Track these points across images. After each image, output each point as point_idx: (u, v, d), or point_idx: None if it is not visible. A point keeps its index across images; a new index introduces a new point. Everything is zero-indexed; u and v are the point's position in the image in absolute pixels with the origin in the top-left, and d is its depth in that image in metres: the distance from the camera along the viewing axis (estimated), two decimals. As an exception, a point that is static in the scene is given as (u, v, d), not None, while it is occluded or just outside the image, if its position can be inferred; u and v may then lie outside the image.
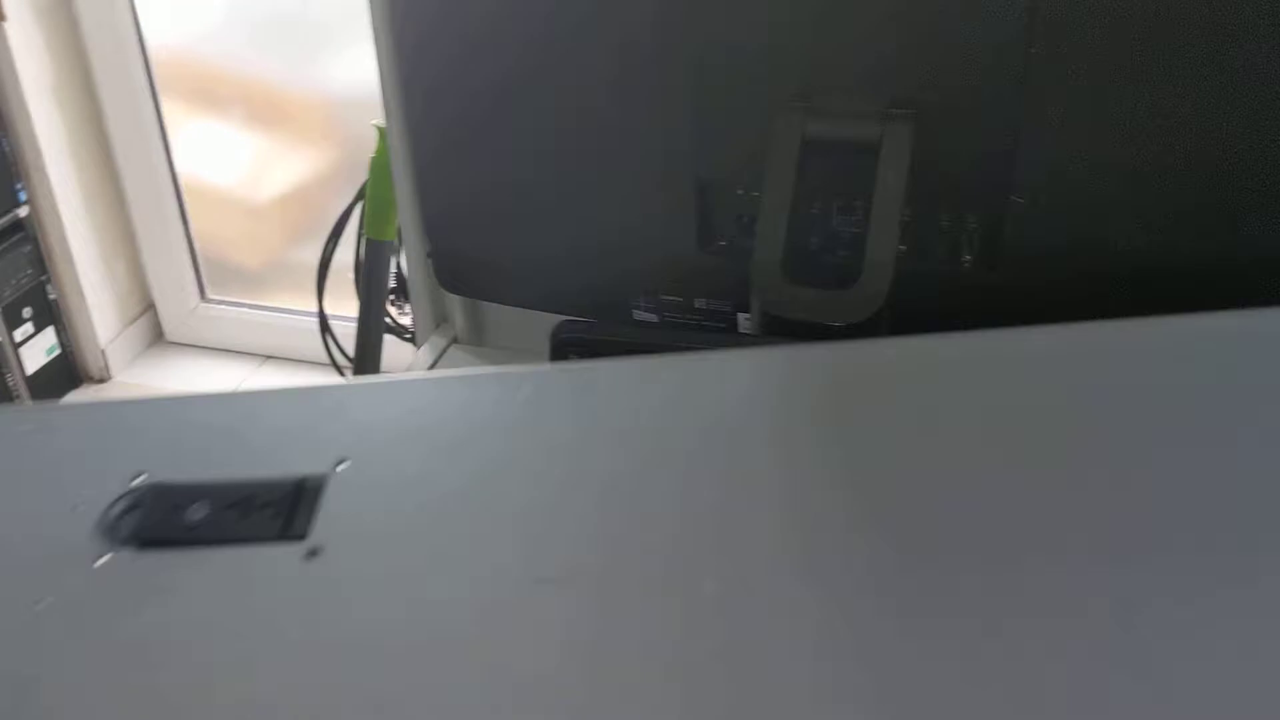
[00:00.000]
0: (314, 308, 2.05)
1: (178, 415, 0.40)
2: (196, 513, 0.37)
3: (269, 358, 2.19)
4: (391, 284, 0.94)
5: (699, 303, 0.73)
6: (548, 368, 0.44)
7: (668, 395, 0.41)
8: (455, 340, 0.85)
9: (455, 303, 0.84)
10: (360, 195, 0.93)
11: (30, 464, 0.38)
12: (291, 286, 2.14)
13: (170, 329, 2.24)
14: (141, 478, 0.38)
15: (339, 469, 0.37)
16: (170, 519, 0.37)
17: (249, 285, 2.21)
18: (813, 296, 0.60)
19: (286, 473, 0.37)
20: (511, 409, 0.40)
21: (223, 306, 2.22)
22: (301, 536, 0.36)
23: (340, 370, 1.03)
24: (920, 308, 0.66)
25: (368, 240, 0.90)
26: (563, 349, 0.61)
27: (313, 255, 2.08)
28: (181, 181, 2.12)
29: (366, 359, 0.92)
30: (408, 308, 1.04)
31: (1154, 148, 0.60)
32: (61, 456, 0.39)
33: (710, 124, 0.66)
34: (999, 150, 0.61)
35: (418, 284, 0.84)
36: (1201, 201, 0.61)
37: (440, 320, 0.86)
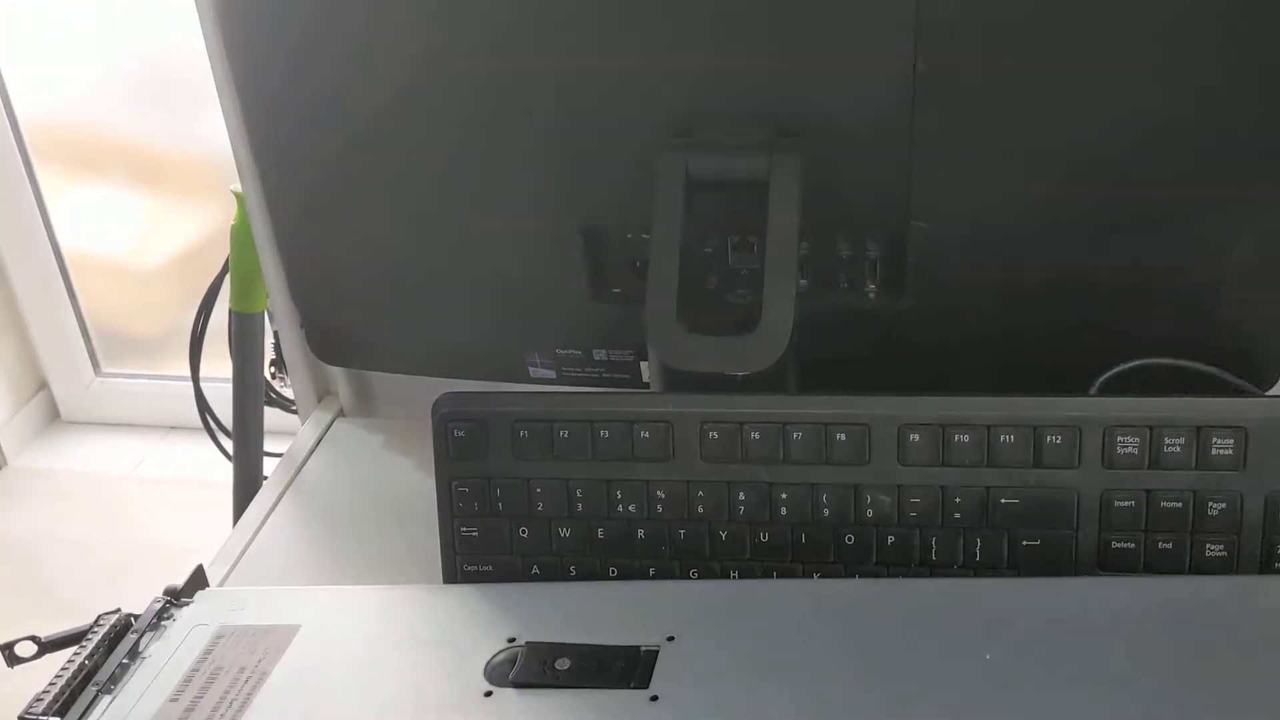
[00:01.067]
0: (218, 373, 1.98)
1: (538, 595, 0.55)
2: (562, 665, 0.49)
3: (173, 428, 2.11)
4: (274, 353, 0.88)
5: (598, 354, 0.68)
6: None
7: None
8: (341, 413, 0.79)
9: (338, 373, 0.79)
10: (225, 268, 0.87)
11: (428, 631, 0.54)
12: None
13: (66, 408, 2.15)
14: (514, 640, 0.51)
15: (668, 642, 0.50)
16: (542, 668, 0.49)
17: (147, 355, 2.13)
18: (712, 346, 0.56)
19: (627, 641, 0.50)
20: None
21: (120, 379, 2.13)
22: (645, 686, 0.48)
23: (221, 448, 0.97)
24: (827, 345, 0.62)
25: (235, 314, 0.84)
26: (445, 425, 0.56)
27: (212, 318, 2.05)
28: (65, 253, 2.03)
29: (247, 436, 0.86)
30: (289, 379, 0.98)
31: (1054, 162, 0.57)
32: (451, 625, 0.54)
33: (589, 166, 0.61)
34: (894, 173, 0.57)
35: (295, 356, 0.78)
36: (1108, 216, 0.58)
37: (323, 393, 0.80)
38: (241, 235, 0.77)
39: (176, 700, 0.52)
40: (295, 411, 1.00)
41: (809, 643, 0.49)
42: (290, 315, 0.75)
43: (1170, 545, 0.52)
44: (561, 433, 0.55)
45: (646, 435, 0.55)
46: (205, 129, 1.83)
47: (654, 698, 0.47)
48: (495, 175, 0.62)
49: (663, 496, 0.55)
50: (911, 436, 0.53)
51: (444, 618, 0.54)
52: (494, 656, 0.51)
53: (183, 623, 0.56)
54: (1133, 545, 0.52)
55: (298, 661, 0.53)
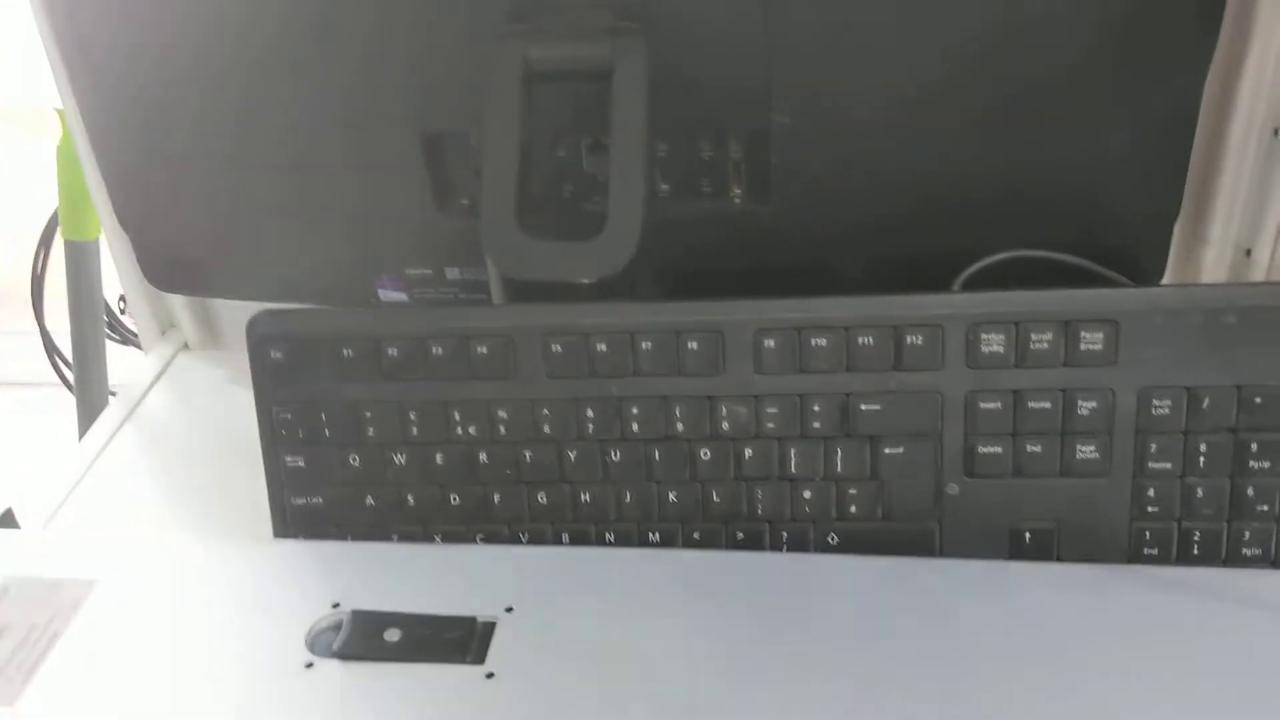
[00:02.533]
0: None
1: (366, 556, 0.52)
2: (391, 635, 0.46)
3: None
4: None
5: (451, 272, 0.63)
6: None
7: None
8: (185, 346, 0.74)
9: (180, 304, 0.73)
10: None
11: (245, 592, 0.49)
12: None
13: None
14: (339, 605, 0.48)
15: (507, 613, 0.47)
16: (368, 639, 0.46)
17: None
18: (553, 251, 0.51)
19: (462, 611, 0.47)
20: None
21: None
22: (480, 661, 0.45)
23: (69, 386, 0.91)
24: (690, 253, 0.58)
25: (67, 242, 0.77)
26: (262, 346, 0.51)
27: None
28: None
29: (88, 372, 0.80)
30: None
31: (919, 48, 0.53)
32: (270, 586, 0.50)
33: (424, 63, 0.56)
34: (750, 61, 0.53)
35: (134, 286, 0.72)
36: (974, 103, 0.54)
37: (167, 325, 0.74)
38: (67, 156, 0.71)
39: (-39, 658, 0.47)
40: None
41: (658, 617, 0.47)
42: (123, 241, 0.69)
43: (1040, 449, 0.49)
44: (390, 351, 0.51)
45: (485, 351, 0.50)
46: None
47: (490, 674, 0.44)
48: (328, 79, 0.57)
49: (505, 417, 0.51)
50: (766, 342, 0.49)
51: (261, 578, 0.50)
52: (316, 624, 0.47)
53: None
54: (1000, 450, 0.49)
55: (92, 622, 0.48)
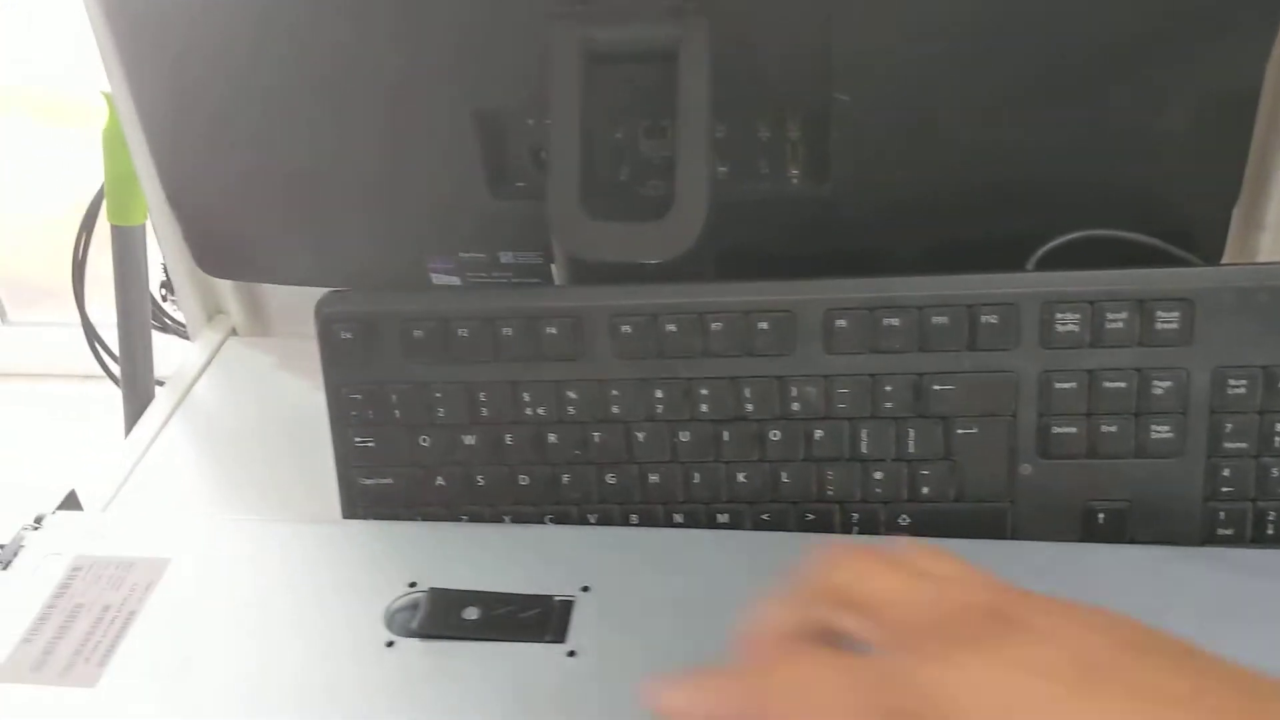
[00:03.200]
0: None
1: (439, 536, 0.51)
2: (470, 614, 0.46)
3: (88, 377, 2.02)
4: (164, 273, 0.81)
5: (504, 257, 0.63)
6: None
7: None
8: (233, 332, 0.74)
9: (228, 289, 0.73)
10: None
11: (320, 571, 0.49)
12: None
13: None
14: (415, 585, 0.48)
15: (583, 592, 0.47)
16: (447, 617, 0.46)
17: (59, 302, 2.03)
18: (620, 233, 0.51)
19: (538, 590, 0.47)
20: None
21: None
22: (561, 640, 0.45)
23: (111, 375, 0.90)
24: (749, 235, 0.58)
25: (114, 228, 0.77)
26: (331, 327, 0.51)
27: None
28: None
29: (135, 361, 0.80)
30: (183, 301, 0.91)
31: (983, 24, 0.53)
32: (345, 565, 0.49)
33: (479, 42, 0.56)
34: (812, 39, 0.53)
35: (181, 272, 0.72)
36: (1042, 81, 0.54)
37: (214, 311, 0.74)
38: (113, 140, 0.71)
39: (30, 641, 0.47)
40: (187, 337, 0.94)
41: (733, 597, 0.46)
42: (173, 227, 0.69)
43: (1114, 428, 0.49)
44: (460, 332, 0.51)
45: (553, 331, 0.50)
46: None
47: (571, 653, 0.44)
48: (383, 58, 0.57)
49: (574, 397, 0.51)
50: (838, 322, 0.49)
51: (337, 557, 0.50)
52: (394, 602, 0.47)
53: (32, 551, 0.51)
54: (1075, 430, 0.49)
55: (170, 600, 0.48)
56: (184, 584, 0.49)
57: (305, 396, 0.67)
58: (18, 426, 1.96)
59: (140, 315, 0.80)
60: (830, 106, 0.55)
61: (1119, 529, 0.50)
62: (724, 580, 0.47)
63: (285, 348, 0.71)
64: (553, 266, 0.63)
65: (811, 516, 0.51)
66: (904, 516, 0.51)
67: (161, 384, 0.75)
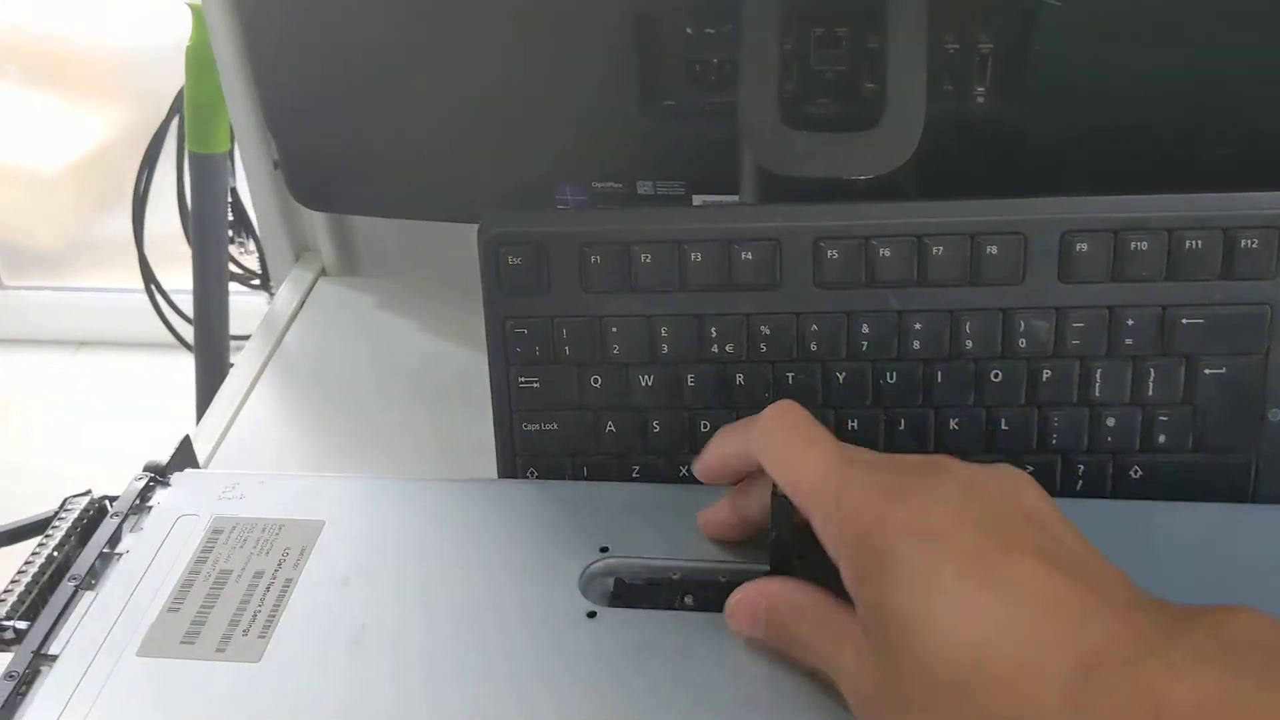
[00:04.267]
0: (129, 284, 1.82)
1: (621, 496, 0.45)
2: (677, 584, 0.41)
3: (83, 343, 1.95)
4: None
5: (643, 186, 0.57)
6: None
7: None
8: (323, 272, 0.68)
9: (317, 225, 0.67)
10: (174, 108, 0.74)
11: (496, 534, 0.43)
12: (99, 263, 1.90)
13: (-35, 323, 1.97)
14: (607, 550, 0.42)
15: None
16: (654, 586, 0.42)
17: (50, 266, 1.95)
18: (827, 144, 0.45)
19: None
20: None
21: (24, 292, 1.96)
22: None
23: (175, 332, 0.84)
24: (931, 155, 0.52)
25: (190, 155, 0.70)
26: (497, 250, 0.45)
27: (119, 227, 1.86)
28: (-42, 157, 1.85)
29: (209, 306, 0.73)
30: (250, 245, 0.85)
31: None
32: (526, 528, 0.44)
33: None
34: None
35: (265, 205, 0.66)
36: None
37: (300, 250, 0.68)
38: (199, 58, 0.65)
39: (177, 610, 0.41)
40: (257, 284, 0.88)
41: None
42: (260, 153, 0.63)
43: (1383, 367, 0.44)
44: (643, 257, 0.45)
45: (749, 257, 0.44)
46: (111, 25, 1.66)
47: None
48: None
49: (767, 333, 0.45)
50: (1079, 246, 0.43)
51: (514, 518, 0.44)
52: (588, 568, 0.42)
53: (163, 511, 0.45)
54: (1336, 369, 0.44)
55: (330, 566, 0.42)
56: (342, 549, 0.43)
57: (412, 340, 0.61)
58: (11, 391, 1.89)
59: (218, 251, 0.73)
60: (1037, 12, 0.49)
61: (1376, 483, 0.45)
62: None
63: (382, 288, 0.65)
64: (695, 200, 0.57)
65: (1031, 469, 0.46)
66: (1135, 469, 0.45)
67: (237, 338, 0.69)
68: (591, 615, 0.39)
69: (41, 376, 1.91)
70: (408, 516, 0.44)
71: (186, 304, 0.90)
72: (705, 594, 0.41)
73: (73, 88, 1.79)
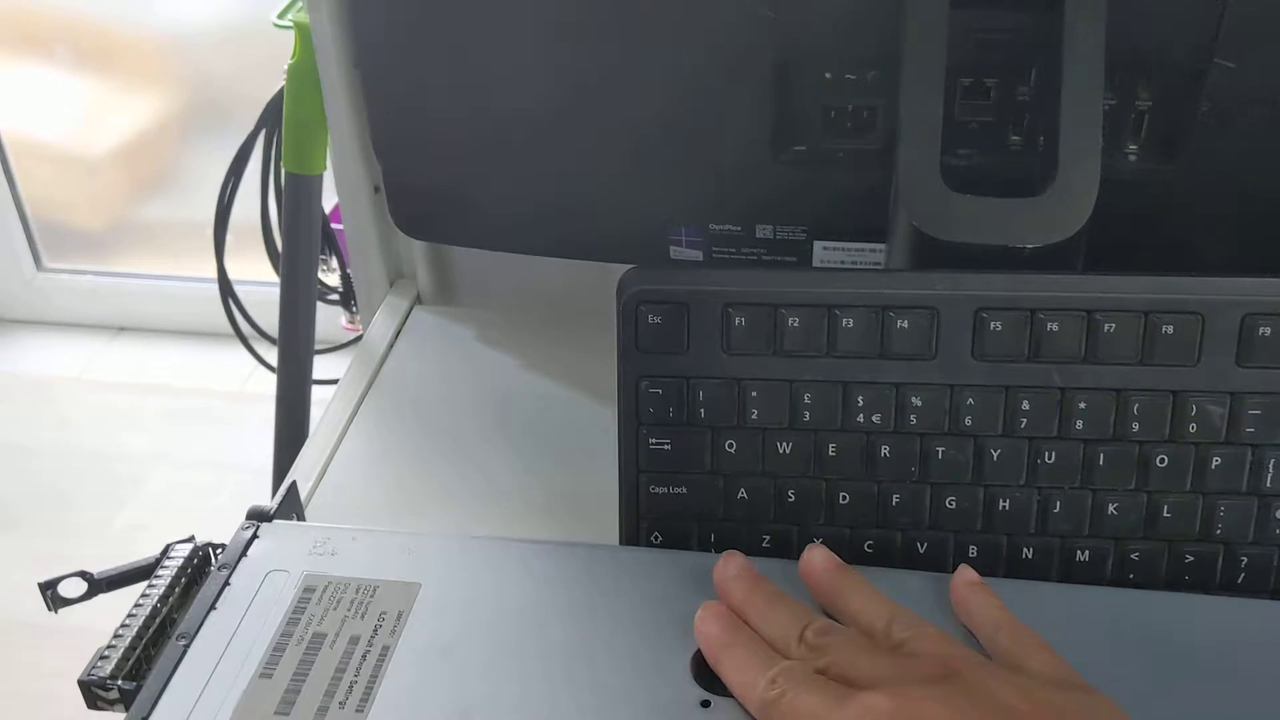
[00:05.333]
0: (170, 270, 1.80)
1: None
2: None
3: (122, 329, 1.93)
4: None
5: (762, 230, 0.55)
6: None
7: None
8: (418, 300, 0.65)
9: (414, 253, 0.64)
10: (263, 122, 0.72)
11: (611, 607, 0.41)
12: (140, 248, 1.90)
13: (4, 305, 1.96)
14: None
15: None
16: None
17: (92, 250, 1.94)
18: (992, 210, 0.43)
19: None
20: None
21: (64, 275, 1.94)
22: None
23: (248, 344, 0.81)
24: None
25: (288, 175, 0.68)
26: (636, 308, 0.42)
27: (161, 211, 1.85)
28: (4, 137, 1.83)
29: (297, 326, 0.71)
30: (333, 262, 0.83)
31: None
32: (640, 601, 0.41)
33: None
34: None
35: (361, 230, 0.63)
36: None
37: (395, 277, 0.66)
38: (301, 76, 0.62)
39: (269, 676, 0.38)
40: (338, 301, 0.86)
41: (1122, 661, 0.39)
42: (358, 177, 0.61)
43: None
44: (791, 321, 0.42)
45: (905, 325, 0.42)
46: (150, 9, 1.65)
47: None
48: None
49: (918, 404, 0.43)
50: (1261, 329, 0.41)
51: (625, 591, 0.42)
52: (699, 653, 0.39)
53: (251, 564, 0.43)
54: None
55: (429, 633, 0.40)
56: (442, 614, 0.40)
57: (513, 375, 0.59)
58: (51, 374, 1.88)
59: (308, 273, 0.71)
60: (1207, 71, 0.46)
61: None
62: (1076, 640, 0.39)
63: (480, 318, 0.63)
64: (816, 245, 0.55)
65: (1190, 558, 0.43)
66: (1303, 564, 0.43)
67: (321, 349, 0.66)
68: (705, 705, 0.37)
69: (82, 360, 1.90)
70: (511, 581, 0.42)
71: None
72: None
73: (118, 71, 1.78)
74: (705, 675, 0.38)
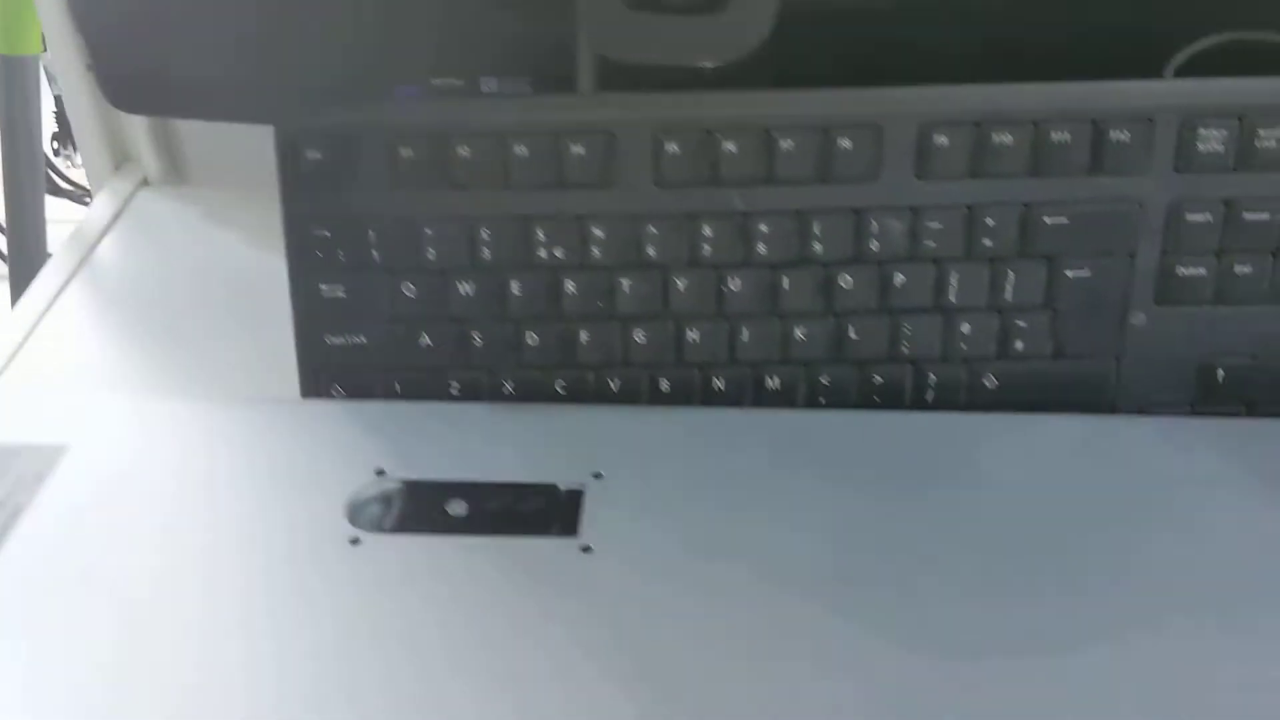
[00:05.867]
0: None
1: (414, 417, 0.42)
2: (456, 509, 0.37)
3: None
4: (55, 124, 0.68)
5: (486, 84, 0.52)
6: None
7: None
8: (145, 182, 0.62)
9: (140, 133, 0.61)
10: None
11: (260, 457, 0.40)
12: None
13: None
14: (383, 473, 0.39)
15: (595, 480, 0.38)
16: (427, 511, 0.37)
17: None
18: (670, 28, 0.41)
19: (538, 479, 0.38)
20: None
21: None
22: (572, 534, 0.36)
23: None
24: (791, 41, 0.48)
25: (1, 58, 0.64)
26: (295, 146, 0.40)
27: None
28: None
29: (24, 215, 0.66)
30: (77, 157, 0.78)
31: None
32: (304, 452, 0.40)
33: None
34: None
35: (82, 111, 0.60)
36: None
37: (121, 159, 0.62)
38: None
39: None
40: (89, 202, 0.81)
41: (771, 486, 0.38)
42: (74, 54, 0.57)
43: (1249, 269, 0.41)
44: (461, 151, 0.40)
45: (581, 151, 0.40)
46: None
47: (586, 547, 0.36)
48: None
49: (601, 236, 0.41)
50: (938, 140, 0.40)
51: (283, 441, 0.40)
52: (358, 493, 0.38)
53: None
54: (1203, 271, 0.41)
55: (64, 494, 0.37)
56: (85, 474, 0.38)
57: (238, 253, 0.56)
58: None
59: (31, 159, 0.66)
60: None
61: (1240, 389, 0.42)
62: (762, 467, 0.39)
63: (210, 198, 0.60)
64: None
65: (880, 380, 0.43)
66: (990, 378, 0.43)
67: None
68: (355, 542, 0.36)
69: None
70: (162, 441, 0.40)
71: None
72: (497, 517, 0.37)
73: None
74: (359, 514, 0.37)
